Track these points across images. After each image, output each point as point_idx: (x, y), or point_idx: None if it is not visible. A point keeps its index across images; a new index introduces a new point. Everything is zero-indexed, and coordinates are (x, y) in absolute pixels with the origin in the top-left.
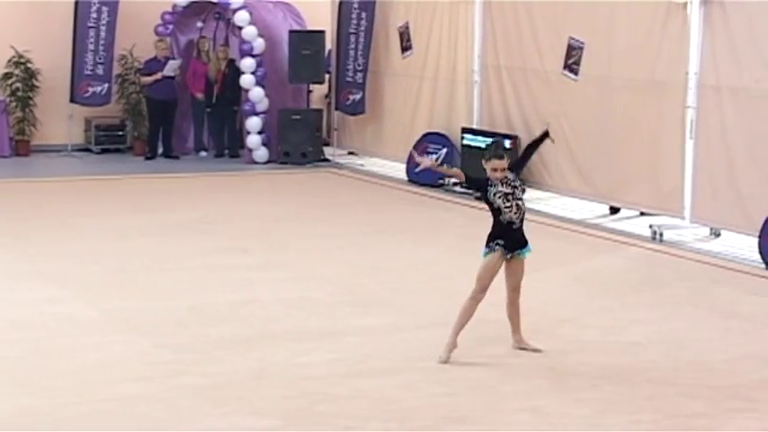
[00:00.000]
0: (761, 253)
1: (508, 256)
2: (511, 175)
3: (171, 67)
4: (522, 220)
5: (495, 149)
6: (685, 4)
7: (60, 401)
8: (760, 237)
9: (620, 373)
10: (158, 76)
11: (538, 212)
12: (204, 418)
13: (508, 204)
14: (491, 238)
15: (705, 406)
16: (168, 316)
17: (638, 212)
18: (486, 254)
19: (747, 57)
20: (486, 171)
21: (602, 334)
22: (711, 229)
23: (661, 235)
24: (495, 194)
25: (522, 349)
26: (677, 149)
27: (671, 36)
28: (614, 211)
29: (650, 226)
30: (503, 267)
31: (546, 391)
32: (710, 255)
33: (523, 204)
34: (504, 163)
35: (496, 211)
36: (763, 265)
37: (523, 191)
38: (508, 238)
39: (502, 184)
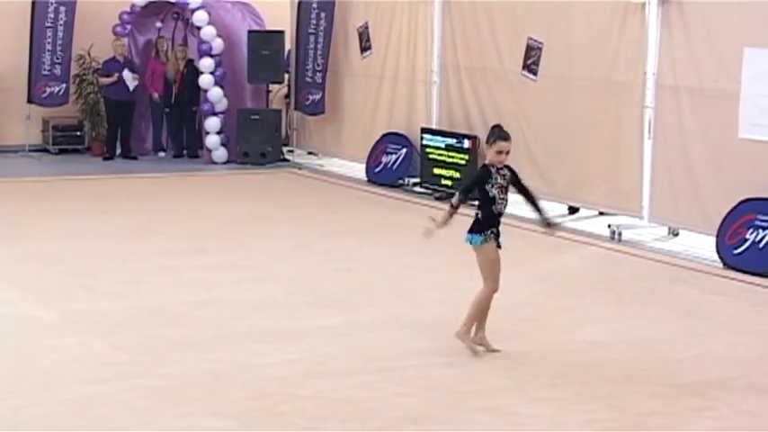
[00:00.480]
0: (719, 252)
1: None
2: (506, 171)
3: (128, 80)
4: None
5: (500, 131)
6: (643, 4)
7: (17, 404)
8: (718, 236)
9: (579, 373)
10: (116, 77)
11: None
12: (162, 419)
13: (502, 197)
14: (484, 226)
15: (663, 405)
16: (126, 317)
17: (596, 212)
18: (482, 241)
19: (705, 57)
20: (486, 157)
21: (562, 333)
22: (670, 228)
23: (620, 234)
24: (493, 185)
25: (481, 346)
26: (635, 149)
27: (629, 36)
28: (573, 211)
29: (609, 226)
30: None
31: (505, 390)
32: (669, 254)
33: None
34: (509, 145)
35: (490, 201)
36: (721, 265)
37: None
38: (496, 228)
39: (499, 176)
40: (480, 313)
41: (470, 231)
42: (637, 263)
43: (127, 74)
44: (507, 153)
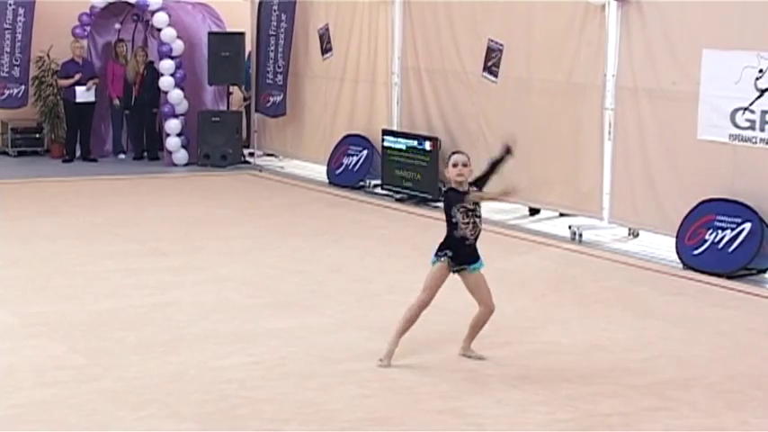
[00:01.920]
0: (678, 253)
1: (454, 269)
2: (475, 189)
3: (83, 93)
4: (476, 238)
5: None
6: (603, 5)
7: None
8: (677, 237)
9: (539, 373)
10: (76, 78)
11: None
12: (120, 422)
13: (466, 221)
14: (441, 247)
15: (622, 404)
16: (83, 320)
17: (557, 213)
18: (433, 262)
19: (664, 59)
20: (450, 180)
21: (521, 334)
22: (630, 229)
23: (580, 235)
24: (458, 209)
25: (467, 357)
26: (595, 151)
27: (589, 38)
28: (534, 212)
29: (569, 227)
30: (460, 282)
31: (465, 391)
32: (628, 255)
33: (480, 222)
34: (464, 156)
35: (453, 225)
36: (681, 266)
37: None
38: (458, 252)
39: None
40: (406, 323)
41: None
42: (597, 263)
43: (80, 90)
44: (465, 165)
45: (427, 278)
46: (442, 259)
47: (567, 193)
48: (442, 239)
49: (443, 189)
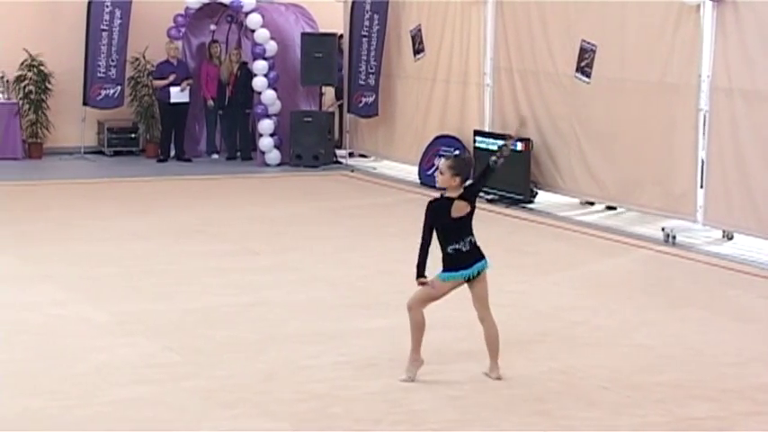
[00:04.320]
0: None
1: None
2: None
3: (177, 94)
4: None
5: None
6: (698, 5)
7: (65, 404)
8: None
9: (631, 376)
10: (170, 79)
11: (549, 215)
12: (212, 420)
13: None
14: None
15: (716, 409)
16: (177, 319)
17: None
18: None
19: (760, 59)
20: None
21: (613, 336)
22: (724, 231)
23: (674, 238)
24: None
25: (486, 375)
26: (689, 152)
27: (683, 38)
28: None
29: (662, 228)
30: (468, 291)
31: (555, 393)
32: (722, 257)
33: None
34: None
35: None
36: None
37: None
38: (459, 263)
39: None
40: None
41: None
42: (690, 266)
43: (174, 91)
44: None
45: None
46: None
47: (660, 194)
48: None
49: (459, 194)
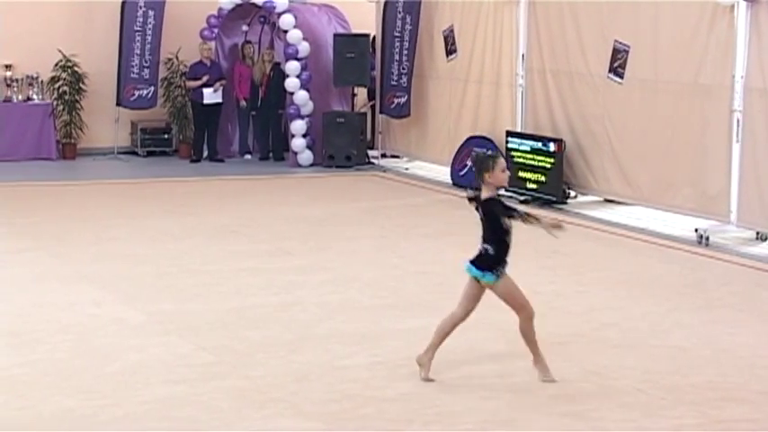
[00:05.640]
0: None
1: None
2: None
3: (210, 95)
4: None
5: (487, 154)
6: (732, 6)
7: (100, 403)
8: None
9: (665, 377)
10: (204, 79)
11: (582, 216)
12: (245, 420)
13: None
14: (497, 260)
15: (750, 411)
16: (210, 318)
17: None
18: (494, 281)
19: None
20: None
21: (646, 337)
22: (757, 232)
23: (707, 238)
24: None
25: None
26: (723, 153)
27: (717, 38)
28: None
29: (696, 229)
30: (471, 287)
31: (588, 394)
32: (756, 258)
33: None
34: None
35: (506, 233)
36: None
37: None
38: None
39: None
40: (530, 343)
41: (482, 268)
42: (723, 267)
43: (208, 92)
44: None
45: (511, 294)
46: (505, 272)
47: (694, 195)
48: (480, 252)
49: (485, 198)
